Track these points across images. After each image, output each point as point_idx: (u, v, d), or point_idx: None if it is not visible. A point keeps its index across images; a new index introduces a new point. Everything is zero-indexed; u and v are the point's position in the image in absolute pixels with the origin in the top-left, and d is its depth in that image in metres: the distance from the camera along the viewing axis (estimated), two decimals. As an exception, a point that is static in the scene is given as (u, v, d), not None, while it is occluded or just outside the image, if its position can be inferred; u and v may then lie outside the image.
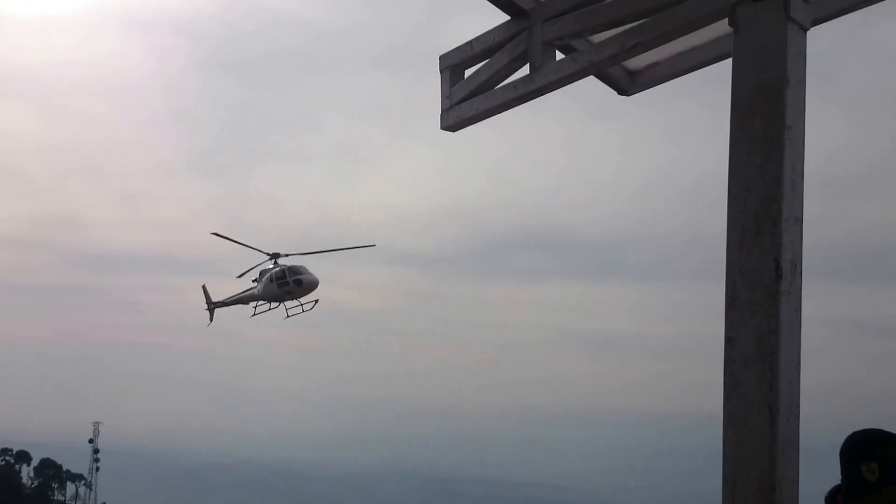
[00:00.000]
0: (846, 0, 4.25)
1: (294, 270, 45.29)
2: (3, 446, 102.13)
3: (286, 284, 45.06)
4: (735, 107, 3.66)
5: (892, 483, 3.32)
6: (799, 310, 3.58)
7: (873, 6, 4.27)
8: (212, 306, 52.63)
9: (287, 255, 46.02)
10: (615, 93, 5.38)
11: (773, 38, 3.58)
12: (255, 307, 47.74)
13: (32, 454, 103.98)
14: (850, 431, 3.53)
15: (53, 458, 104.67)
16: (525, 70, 4.71)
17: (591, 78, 4.99)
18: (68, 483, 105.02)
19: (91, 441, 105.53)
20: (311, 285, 45.40)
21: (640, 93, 5.40)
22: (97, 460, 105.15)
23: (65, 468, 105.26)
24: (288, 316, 46.38)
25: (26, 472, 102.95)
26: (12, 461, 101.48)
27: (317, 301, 46.19)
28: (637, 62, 5.14)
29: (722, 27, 3.89)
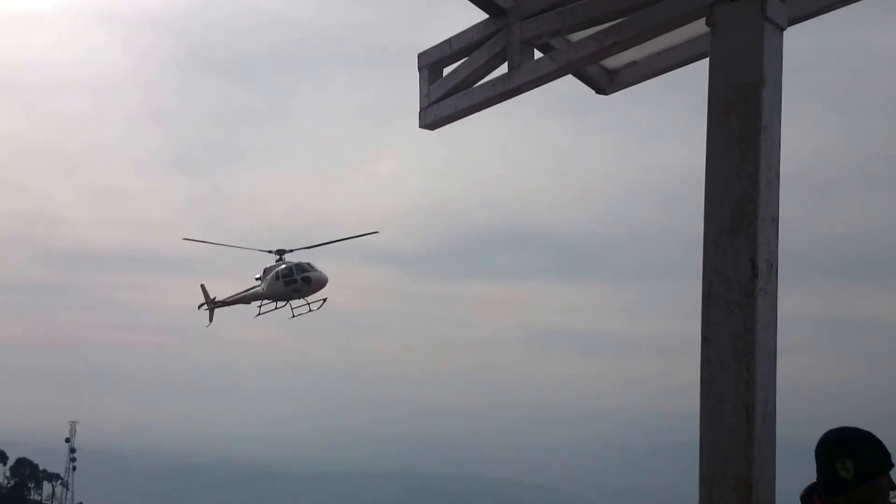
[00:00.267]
0: (823, 0, 4.26)
1: (301, 267, 42.95)
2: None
3: (293, 282, 42.85)
4: (712, 106, 3.67)
5: (867, 481, 3.35)
6: (775, 309, 3.60)
7: (850, 6, 4.29)
8: (211, 306, 50.24)
9: (291, 251, 43.96)
10: (593, 92, 5.39)
11: (749, 38, 3.59)
12: (260, 306, 45.42)
13: (8, 453, 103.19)
14: (825, 430, 3.56)
15: (30, 458, 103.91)
16: (503, 68, 4.71)
17: (570, 77, 4.99)
18: (45, 483, 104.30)
19: (68, 440, 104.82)
20: (320, 283, 43.12)
21: (619, 92, 5.41)
22: (74, 460, 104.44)
23: (41, 468, 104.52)
24: (294, 316, 44.17)
25: (2, 472, 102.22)
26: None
27: (325, 300, 44.03)
28: (615, 61, 5.14)
29: (699, 27, 3.90)
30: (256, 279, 45.26)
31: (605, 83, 5.31)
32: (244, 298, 46.92)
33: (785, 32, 3.75)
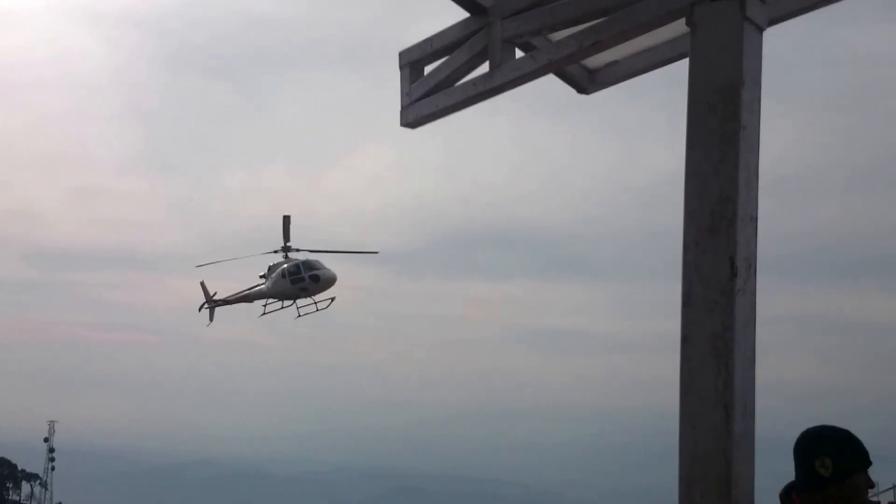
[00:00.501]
0: (802, 1, 4.29)
1: (309, 265, 41.08)
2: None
3: (301, 280, 40.87)
4: (691, 107, 3.69)
5: (845, 478, 3.37)
6: (754, 308, 3.63)
7: (830, 7, 4.32)
8: (212, 304, 47.73)
9: (298, 250, 42.02)
10: (574, 91, 5.40)
11: (729, 39, 3.62)
12: (265, 305, 43.20)
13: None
14: (804, 428, 3.58)
15: (8, 458, 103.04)
16: (485, 67, 4.71)
17: (551, 76, 4.99)
18: (23, 482, 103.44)
19: (46, 440, 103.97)
20: (329, 281, 41.21)
21: (601, 91, 5.42)
22: (53, 459, 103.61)
23: (20, 467, 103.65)
24: (299, 315, 42.24)
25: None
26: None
27: (333, 299, 42.05)
28: (596, 61, 5.15)
29: (680, 27, 3.92)
30: (261, 277, 43.50)
31: (586, 83, 5.32)
32: (247, 297, 44.95)
33: (765, 33, 3.78)
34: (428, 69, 5.03)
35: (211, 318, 48.09)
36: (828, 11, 4.33)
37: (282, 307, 42.58)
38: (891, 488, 19.76)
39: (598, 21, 4.21)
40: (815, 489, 3.42)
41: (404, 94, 5.06)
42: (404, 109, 5.06)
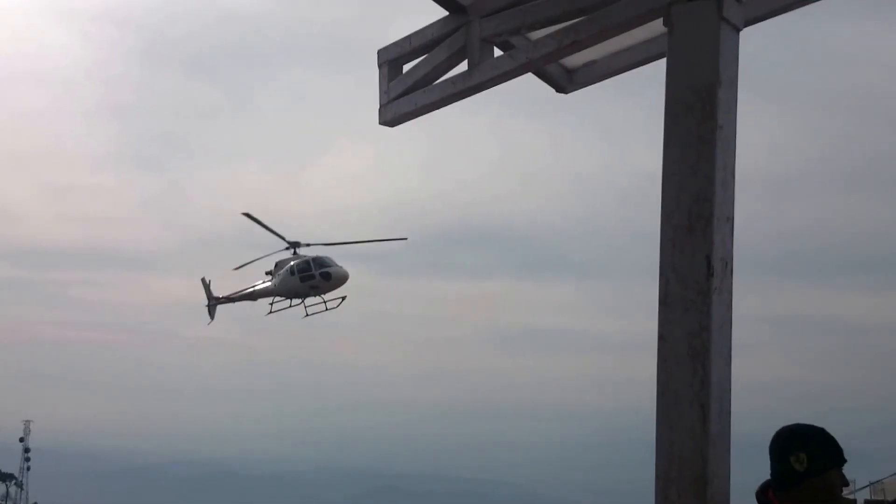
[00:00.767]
0: (779, 1, 4.30)
1: (320, 262, 38.87)
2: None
3: (311, 278, 38.65)
4: (669, 106, 3.69)
5: (819, 473, 3.39)
6: (730, 307, 3.64)
7: (806, 7, 4.34)
8: (213, 302, 45.52)
9: (308, 245, 39.84)
10: (553, 90, 5.40)
11: (706, 38, 3.62)
12: (272, 304, 40.98)
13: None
14: (779, 427, 3.60)
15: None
16: (463, 66, 4.70)
17: (530, 75, 5.00)
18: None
19: (22, 440, 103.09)
20: (341, 279, 38.99)
21: (581, 90, 5.42)
22: (28, 459, 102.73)
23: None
24: (307, 315, 40.10)
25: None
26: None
27: (344, 298, 39.70)
28: (574, 60, 5.15)
29: (658, 27, 3.93)
30: (267, 274, 41.34)
31: (564, 82, 5.32)
32: (251, 295, 42.76)
33: (741, 33, 3.79)
34: (406, 67, 5.02)
35: (212, 317, 46.11)
36: (804, 12, 4.36)
37: (290, 306, 40.54)
38: (867, 486, 19.93)
39: (576, 20, 4.21)
40: (790, 485, 3.44)
41: (383, 92, 5.05)
42: (383, 108, 5.05)
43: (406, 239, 45.92)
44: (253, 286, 42.43)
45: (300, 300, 39.83)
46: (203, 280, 46.28)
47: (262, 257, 41.47)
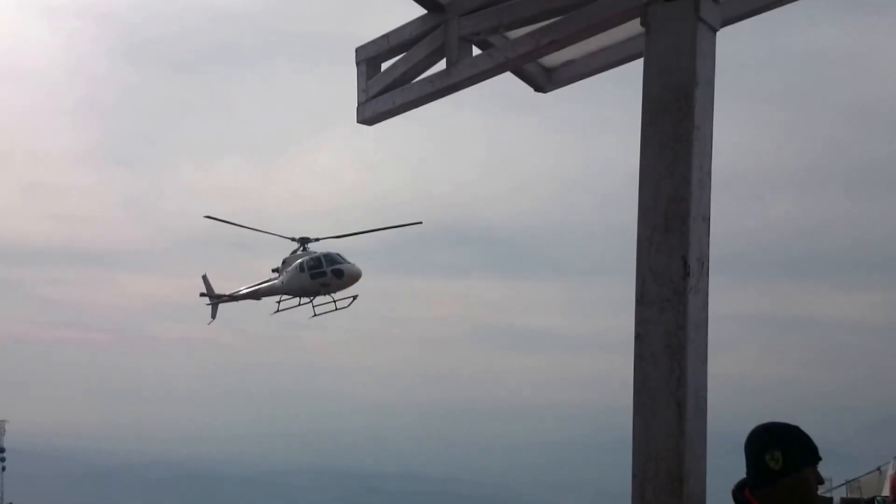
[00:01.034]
0: (756, 1, 4.32)
1: (332, 258, 36.60)
2: None
3: (322, 275, 36.38)
4: (646, 106, 3.70)
5: (795, 471, 3.41)
6: (706, 306, 3.66)
7: (783, 7, 4.36)
8: (215, 301, 43.36)
9: (317, 240, 37.87)
10: (532, 89, 5.40)
11: (682, 39, 3.63)
12: (279, 302, 38.83)
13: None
14: (756, 424, 3.62)
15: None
16: (442, 64, 4.69)
17: (509, 74, 4.99)
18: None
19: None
20: (353, 277, 36.75)
21: (559, 89, 5.43)
22: (3, 460, 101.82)
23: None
24: (315, 314, 37.80)
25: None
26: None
27: (355, 297, 37.52)
28: (553, 59, 5.15)
29: (635, 27, 3.93)
30: (273, 271, 39.33)
31: (543, 81, 5.32)
32: (256, 293, 40.58)
33: (718, 33, 3.80)
34: (385, 66, 5.00)
35: (214, 316, 43.78)
36: (781, 12, 4.38)
37: (299, 304, 38.15)
38: (843, 484, 20.08)
39: (554, 20, 4.22)
40: (766, 483, 3.45)
41: (361, 90, 5.02)
42: (361, 106, 5.03)
43: (421, 223, 43.14)
44: (258, 284, 40.43)
45: (309, 299, 37.71)
46: (204, 277, 44.18)
47: (236, 224, 39.51)
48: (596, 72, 5.15)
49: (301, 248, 37.93)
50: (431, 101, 4.86)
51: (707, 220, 3.66)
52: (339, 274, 36.43)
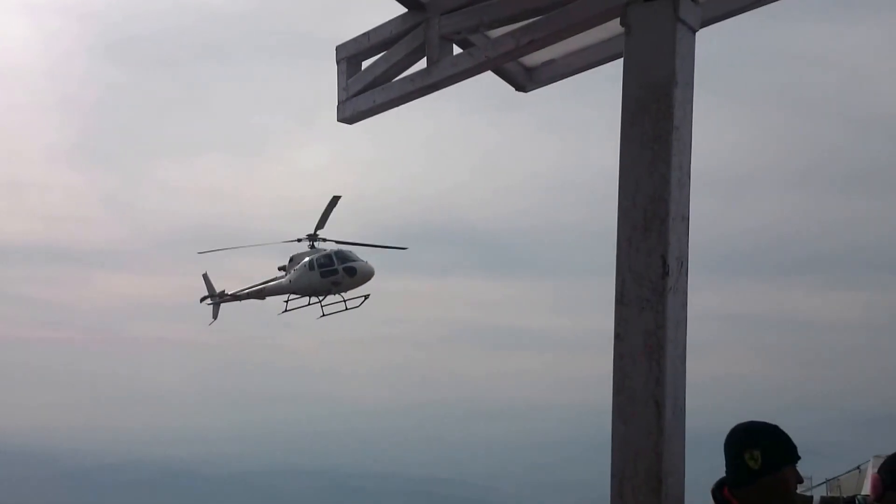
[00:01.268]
0: (735, 2, 4.34)
1: (343, 256, 34.80)
2: None
3: (333, 273, 34.47)
4: (625, 106, 3.71)
5: (774, 471, 3.43)
6: (685, 306, 3.67)
7: (762, 8, 4.38)
8: (217, 300, 41.30)
9: (325, 240, 35.92)
10: (513, 89, 5.40)
11: (662, 39, 3.64)
12: (287, 301, 36.86)
13: None
14: (736, 423, 3.64)
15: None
16: (422, 63, 4.68)
17: (490, 73, 4.99)
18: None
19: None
20: (366, 275, 34.85)
21: (542, 88, 5.43)
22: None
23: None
24: (323, 315, 35.96)
25: None
26: None
27: (367, 297, 35.69)
28: (534, 59, 5.16)
29: (615, 27, 3.94)
30: (280, 269, 37.49)
31: (523, 80, 5.32)
32: (261, 292, 38.60)
33: (698, 34, 3.82)
34: (365, 64, 4.98)
35: (215, 316, 41.65)
36: (760, 13, 4.40)
37: (308, 304, 36.26)
38: (823, 483, 20.20)
39: (534, 19, 4.22)
40: (744, 482, 3.47)
41: (341, 89, 5.00)
42: (341, 105, 5.01)
43: (406, 248, 42.70)
44: (264, 282, 38.51)
45: (318, 298, 35.77)
46: (204, 276, 42.10)
47: (227, 248, 38.76)
48: (576, 71, 5.16)
49: (309, 246, 36.08)
50: (412, 99, 4.84)
51: (686, 219, 3.67)
52: (351, 272, 34.66)
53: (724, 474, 3.57)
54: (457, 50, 4.64)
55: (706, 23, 4.11)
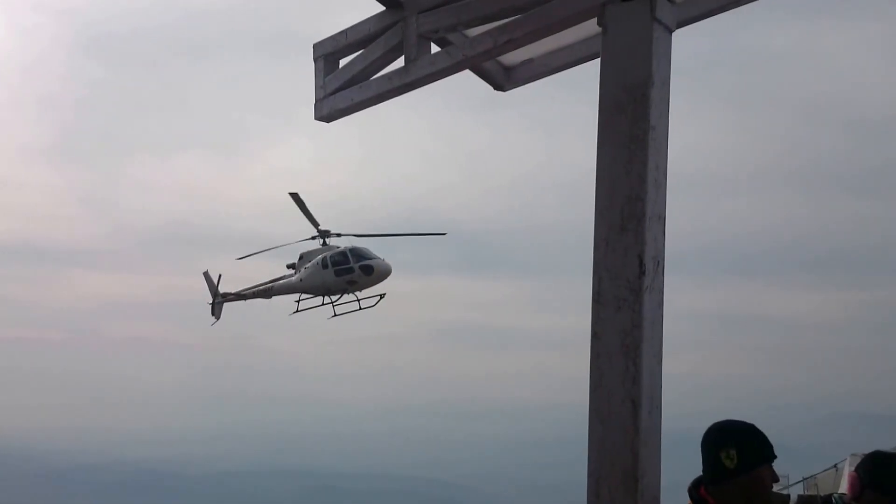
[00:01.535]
0: (712, 2, 4.35)
1: (359, 253, 33.00)
2: None
3: (349, 272, 32.72)
4: (602, 106, 3.71)
5: (749, 470, 3.44)
6: (661, 305, 3.68)
7: (740, 8, 4.40)
8: (220, 299, 39.41)
9: (339, 235, 34.23)
10: (491, 88, 5.40)
11: (638, 39, 3.65)
12: (298, 301, 35.11)
13: None
14: (713, 422, 3.65)
15: None
16: (400, 62, 4.66)
17: (468, 72, 4.98)
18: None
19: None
20: (383, 274, 33.07)
21: (524, 87, 5.43)
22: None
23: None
24: (335, 315, 34.20)
25: None
26: None
27: (383, 296, 33.92)
28: (512, 58, 5.16)
29: (593, 27, 3.94)
30: (288, 267, 35.86)
31: (502, 80, 5.32)
32: (268, 291, 36.81)
33: (675, 34, 3.82)
34: (343, 62, 4.96)
35: (217, 316, 39.80)
36: (736, 14, 4.42)
37: (322, 304, 34.44)
38: (800, 481, 20.32)
39: (512, 18, 4.21)
40: (720, 480, 3.48)
41: (318, 87, 4.96)
42: (318, 103, 4.97)
43: (445, 234, 39.72)
44: (272, 281, 36.70)
45: (332, 298, 34.04)
46: (205, 274, 40.18)
47: (263, 250, 36.08)
48: (554, 71, 5.16)
49: (321, 243, 34.38)
50: (390, 98, 4.81)
51: (663, 219, 3.68)
52: (368, 270, 32.82)
53: (700, 473, 3.59)
54: (435, 48, 4.62)
55: (683, 23, 4.13)
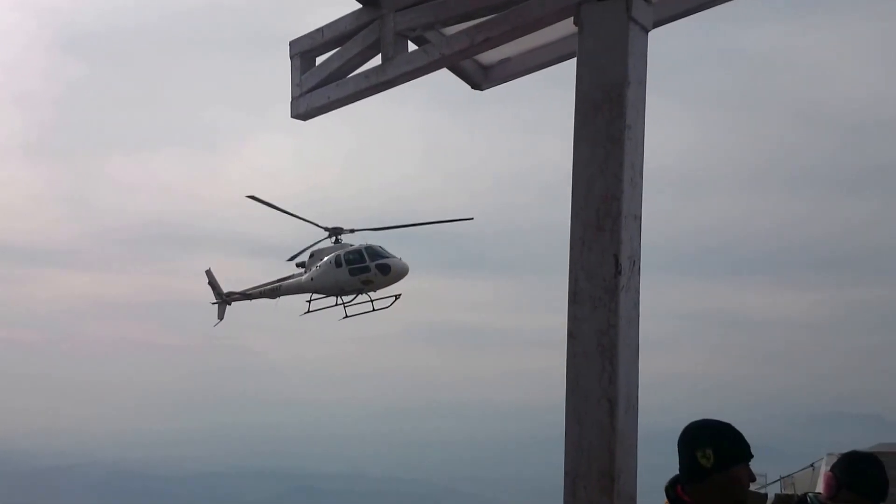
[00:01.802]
0: (688, 2, 4.36)
1: (374, 252, 31.43)
2: None
3: (364, 271, 31.21)
4: (578, 105, 3.71)
5: (726, 468, 3.45)
6: (637, 305, 3.68)
7: (715, 8, 4.41)
8: (223, 299, 38.22)
9: (352, 231, 32.89)
10: (469, 87, 5.38)
11: (615, 39, 3.65)
12: (309, 301, 33.59)
13: None
14: (690, 421, 3.65)
15: None
16: (377, 60, 4.64)
17: (446, 70, 4.96)
18: None
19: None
20: (400, 273, 31.59)
21: (501, 86, 5.42)
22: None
23: None
24: (347, 316, 32.77)
25: None
26: None
27: (398, 296, 32.40)
28: (489, 57, 5.15)
29: (570, 26, 3.94)
30: (298, 266, 34.32)
31: (479, 78, 5.31)
32: (275, 291, 35.45)
33: (651, 33, 3.82)
34: (319, 60, 4.93)
35: (221, 316, 38.40)
36: (712, 13, 4.43)
37: (335, 304, 32.98)
38: (777, 480, 20.43)
39: (489, 17, 4.20)
40: (697, 479, 3.49)
41: (295, 84, 4.94)
42: (295, 101, 4.95)
43: (472, 219, 37.48)
44: (279, 280, 35.31)
45: (345, 298, 32.64)
46: (208, 272, 38.82)
47: (277, 208, 32.75)
48: (532, 70, 5.16)
49: (333, 241, 33.01)
50: (367, 96, 4.79)
51: (638, 218, 3.68)
52: (385, 270, 31.24)
53: (677, 472, 3.59)
54: (412, 47, 4.61)
55: (659, 23, 4.13)
